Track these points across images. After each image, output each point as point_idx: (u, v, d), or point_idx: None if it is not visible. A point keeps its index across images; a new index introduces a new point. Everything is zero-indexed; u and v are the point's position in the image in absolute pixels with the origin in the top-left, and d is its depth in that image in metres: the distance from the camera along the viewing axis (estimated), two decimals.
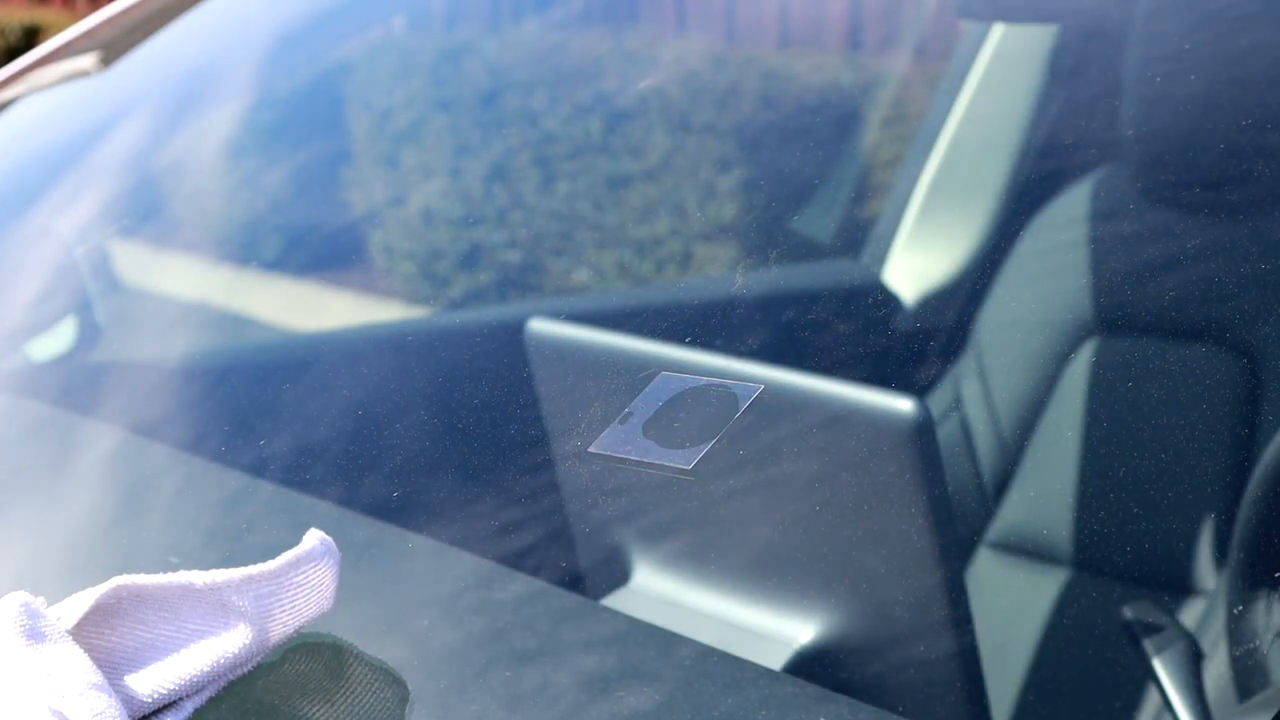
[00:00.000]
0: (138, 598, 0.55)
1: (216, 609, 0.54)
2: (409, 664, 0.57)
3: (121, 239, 1.09)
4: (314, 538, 0.56)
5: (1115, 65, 0.77)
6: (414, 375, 0.80)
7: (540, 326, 0.77)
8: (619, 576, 0.66)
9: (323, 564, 0.55)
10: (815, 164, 0.85)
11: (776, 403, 0.65)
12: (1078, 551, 0.63)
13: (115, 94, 1.26)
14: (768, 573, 0.61)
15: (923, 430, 0.64)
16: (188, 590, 0.54)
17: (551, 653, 0.58)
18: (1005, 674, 0.71)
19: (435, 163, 1.10)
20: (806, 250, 0.82)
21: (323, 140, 1.17)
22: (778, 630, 0.59)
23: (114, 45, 1.30)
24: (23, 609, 0.53)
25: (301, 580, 0.55)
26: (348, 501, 0.70)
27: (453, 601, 0.62)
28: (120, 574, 0.55)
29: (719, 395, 0.66)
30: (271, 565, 0.55)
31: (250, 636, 0.54)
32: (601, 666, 0.56)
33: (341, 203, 1.10)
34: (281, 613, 0.55)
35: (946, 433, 0.67)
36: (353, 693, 0.55)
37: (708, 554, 0.64)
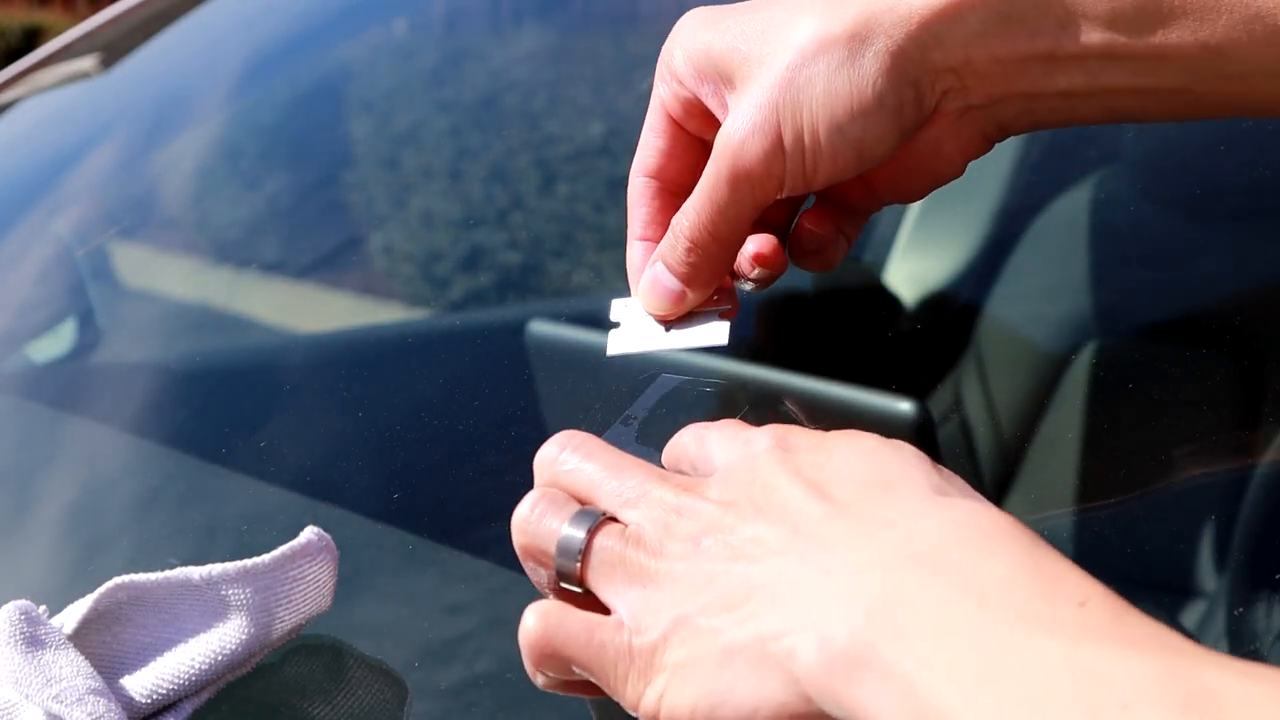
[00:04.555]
0: (137, 599, 0.55)
1: (214, 604, 0.54)
2: (409, 664, 0.57)
3: (122, 240, 1.09)
4: (310, 533, 0.56)
5: None
6: (414, 376, 0.80)
7: (541, 328, 0.77)
8: None
9: (319, 560, 0.56)
10: None
11: (777, 404, 0.65)
12: (1078, 553, 0.63)
13: (115, 96, 1.26)
14: None
15: (923, 431, 0.64)
16: (185, 586, 0.55)
17: None
18: None
19: (436, 164, 1.10)
20: None
21: (322, 142, 1.17)
22: None
23: (114, 47, 1.30)
24: (22, 615, 0.53)
25: (298, 575, 0.55)
26: (348, 502, 0.70)
27: (453, 601, 0.62)
28: (120, 575, 0.55)
29: (719, 396, 0.66)
30: (268, 558, 0.55)
31: (248, 631, 0.54)
32: None
33: (341, 204, 1.10)
34: (279, 608, 0.55)
35: (946, 433, 0.67)
36: (353, 693, 0.55)
37: None
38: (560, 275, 0.94)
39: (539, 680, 0.47)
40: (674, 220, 0.57)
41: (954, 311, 0.75)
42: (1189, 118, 0.55)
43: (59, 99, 1.27)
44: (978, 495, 0.43)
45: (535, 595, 0.48)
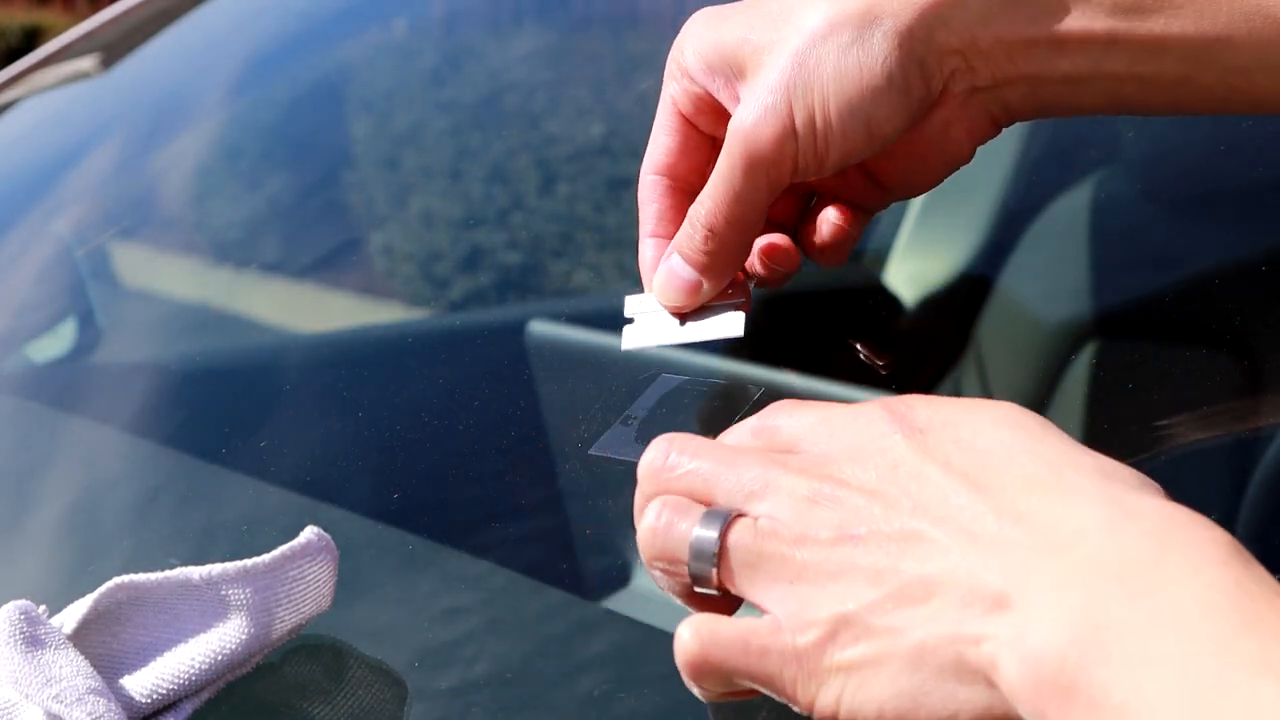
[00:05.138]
0: (136, 599, 0.55)
1: (214, 604, 0.54)
2: (409, 664, 0.57)
3: (121, 240, 1.09)
4: (310, 533, 0.56)
5: None
6: (414, 376, 0.80)
7: (541, 328, 0.77)
8: (620, 577, 0.66)
9: (319, 559, 0.55)
10: None
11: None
12: None
13: (115, 96, 1.26)
14: None
15: None
16: (185, 586, 0.55)
17: (552, 653, 0.58)
18: None
19: (436, 164, 1.10)
20: None
21: (322, 142, 1.17)
22: None
23: (114, 47, 1.30)
24: (22, 615, 0.53)
25: (298, 575, 0.55)
26: (347, 502, 0.70)
27: (453, 602, 0.62)
28: (120, 575, 0.55)
29: (719, 396, 0.66)
30: (268, 558, 0.55)
31: (248, 631, 0.54)
32: (602, 667, 0.56)
33: (342, 204, 1.10)
34: (279, 608, 0.55)
35: None
36: (353, 693, 0.55)
37: None
38: (560, 275, 0.94)
39: (698, 693, 0.45)
40: (690, 210, 0.57)
41: (954, 311, 0.75)
42: (1192, 111, 0.55)
43: (59, 99, 1.27)
44: (1141, 476, 0.42)
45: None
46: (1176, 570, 0.36)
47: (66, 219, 1.11)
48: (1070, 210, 0.77)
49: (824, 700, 0.41)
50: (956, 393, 0.68)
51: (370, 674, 0.57)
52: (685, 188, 0.60)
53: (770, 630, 0.42)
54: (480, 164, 1.08)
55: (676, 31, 0.60)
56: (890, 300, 0.78)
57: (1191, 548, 0.37)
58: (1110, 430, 0.63)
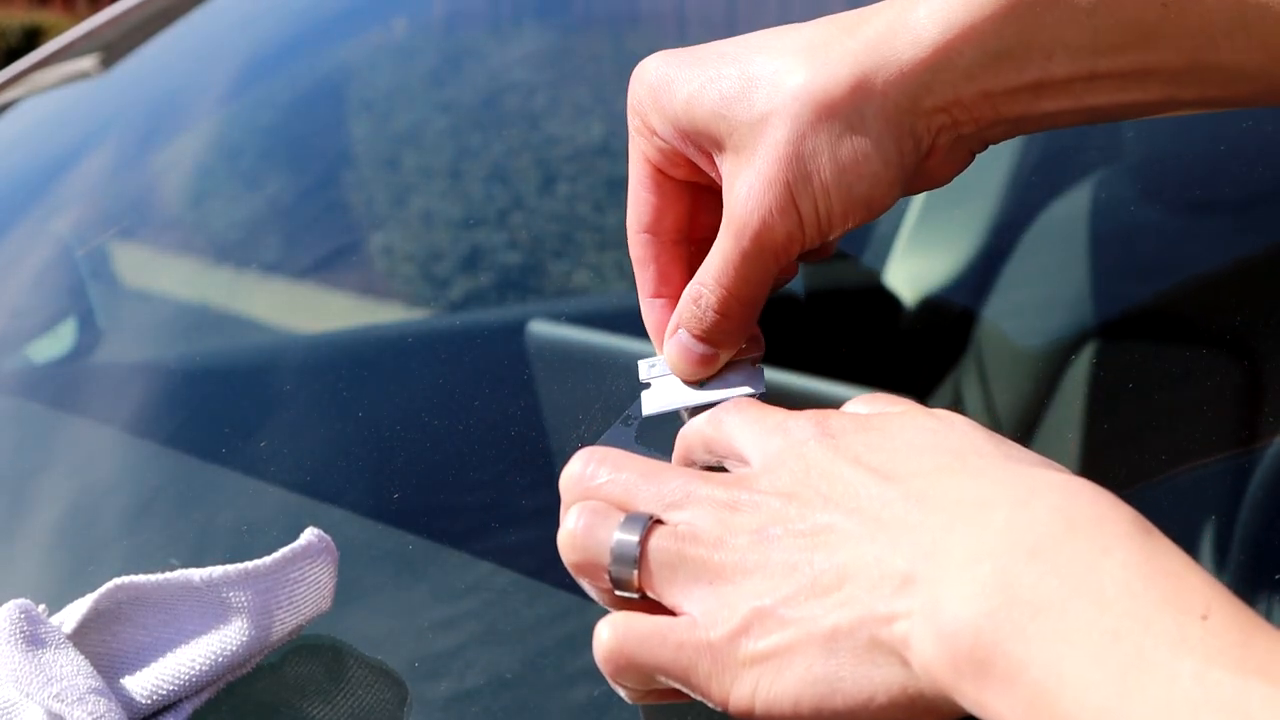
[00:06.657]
0: (136, 599, 0.55)
1: (214, 606, 0.54)
2: (409, 664, 0.57)
3: (122, 240, 1.09)
4: (310, 534, 0.56)
5: None
6: (414, 376, 0.80)
7: (541, 328, 0.77)
8: None
9: (320, 561, 0.56)
10: None
11: (777, 404, 0.65)
12: None
13: (115, 96, 1.26)
14: None
15: None
16: (186, 588, 0.55)
17: (552, 653, 0.58)
18: None
19: (436, 164, 1.10)
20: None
21: (323, 142, 1.17)
22: None
23: (114, 47, 1.30)
24: (22, 614, 0.53)
25: (299, 577, 0.55)
26: (347, 503, 0.70)
27: (453, 602, 0.62)
28: (120, 576, 0.55)
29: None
30: (268, 560, 0.55)
31: (249, 633, 0.54)
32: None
33: (342, 203, 1.10)
34: (280, 610, 0.55)
35: None
36: (353, 693, 0.55)
37: None
38: (560, 275, 0.94)
39: (623, 694, 0.46)
40: (694, 291, 0.56)
41: (954, 311, 0.75)
42: (1165, 114, 0.56)
43: (59, 99, 1.27)
44: (1048, 461, 0.42)
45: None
46: (1087, 546, 0.37)
47: (66, 219, 1.11)
48: (1071, 211, 0.77)
49: (739, 694, 0.41)
50: (956, 394, 0.68)
51: (370, 675, 0.57)
52: (675, 239, 0.60)
53: (686, 626, 0.43)
54: (480, 164, 1.08)
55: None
56: (889, 301, 0.78)
57: (1099, 523, 0.38)
58: (1110, 431, 0.63)
